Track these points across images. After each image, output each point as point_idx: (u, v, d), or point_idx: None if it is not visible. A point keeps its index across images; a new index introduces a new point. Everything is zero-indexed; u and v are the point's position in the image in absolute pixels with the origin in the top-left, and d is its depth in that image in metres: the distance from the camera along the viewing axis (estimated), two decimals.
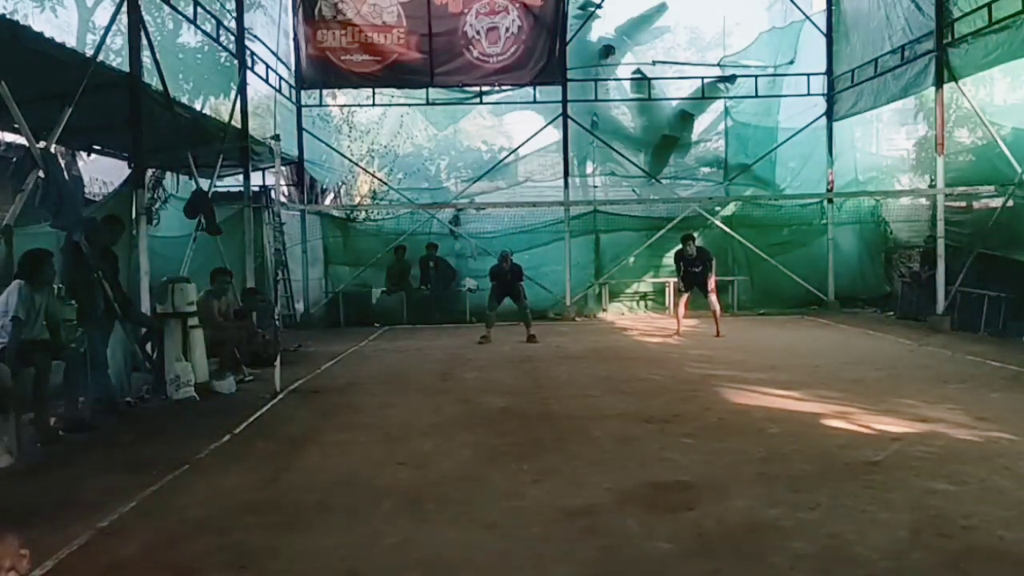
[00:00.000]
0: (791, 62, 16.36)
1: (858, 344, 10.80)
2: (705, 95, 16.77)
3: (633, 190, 17.12)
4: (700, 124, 18.13)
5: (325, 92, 16.40)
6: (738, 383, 7.90)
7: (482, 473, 5.09)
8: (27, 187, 6.58)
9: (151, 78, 9.06)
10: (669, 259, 16.27)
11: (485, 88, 16.06)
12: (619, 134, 17.37)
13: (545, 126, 16.42)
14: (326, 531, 4.08)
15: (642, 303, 16.20)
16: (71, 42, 17.06)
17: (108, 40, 8.61)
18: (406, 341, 12.40)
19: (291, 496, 4.69)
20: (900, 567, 3.51)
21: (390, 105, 17.45)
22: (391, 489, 4.76)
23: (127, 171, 8.61)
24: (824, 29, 15.68)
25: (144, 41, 8.33)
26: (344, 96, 18.41)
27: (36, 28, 6.92)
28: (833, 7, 15.54)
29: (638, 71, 17.33)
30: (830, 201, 15.63)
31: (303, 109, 15.59)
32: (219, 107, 15.49)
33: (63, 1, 21.19)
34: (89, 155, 13.15)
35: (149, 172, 11.06)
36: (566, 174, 15.30)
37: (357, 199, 18.95)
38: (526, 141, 17.35)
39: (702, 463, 5.17)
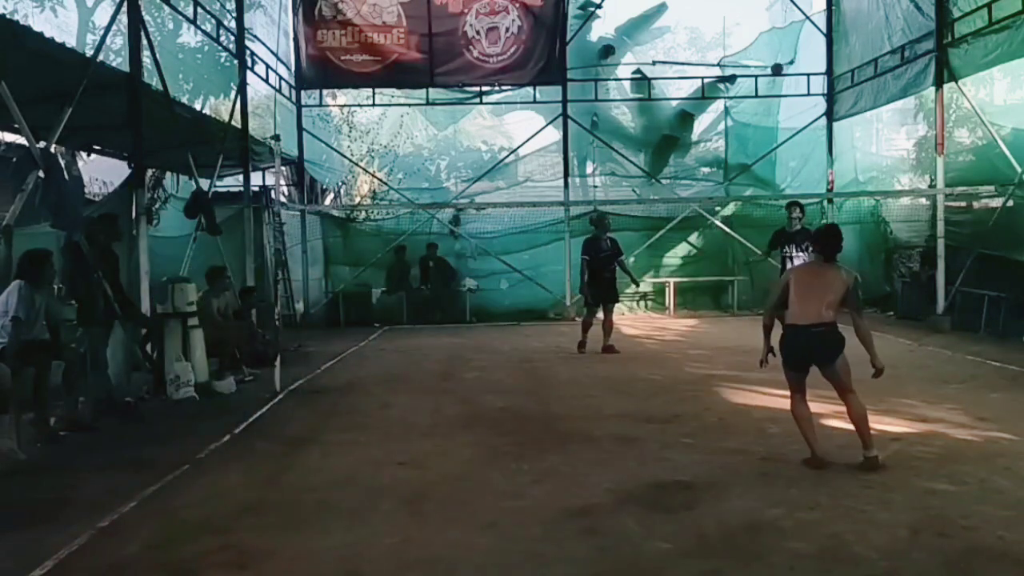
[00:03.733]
0: (791, 62, 16.36)
1: (858, 344, 10.76)
2: (705, 95, 16.77)
3: (633, 190, 17.11)
4: (700, 124, 18.13)
5: (325, 92, 16.41)
6: (738, 383, 7.89)
7: (482, 473, 5.09)
8: (27, 187, 6.58)
9: (151, 78, 9.06)
10: (670, 259, 16.33)
11: (485, 88, 16.07)
12: (619, 134, 17.37)
13: (545, 126, 16.43)
14: (326, 531, 4.08)
15: (642, 303, 16.20)
16: (71, 42, 17.05)
17: (108, 40, 8.60)
18: (406, 341, 12.40)
19: (291, 496, 4.69)
20: (900, 567, 3.51)
21: (390, 105, 17.45)
22: (391, 489, 4.76)
23: (127, 171, 8.60)
24: (824, 29, 15.69)
25: (144, 41, 8.32)
26: (344, 96, 18.40)
27: (36, 28, 6.91)
28: (833, 7, 15.55)
29: (638, 71, 17.32)
30: (830, 201, 15.63)
31: (303, 109, 15.59)
32: (219, 107, 15.47)
33: (63, 1, 21.19)
34: (89, 155, 13.15)
35: (149, 172, 11.06)
36: (566, 174, 15.31)
37: (357, 199, 18.94)
38: (526, 141, 17.37)
39: (702, 463, 5.17)
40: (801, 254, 9.16)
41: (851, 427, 5.95)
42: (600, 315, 10.52)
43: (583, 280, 10.38)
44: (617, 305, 15.70)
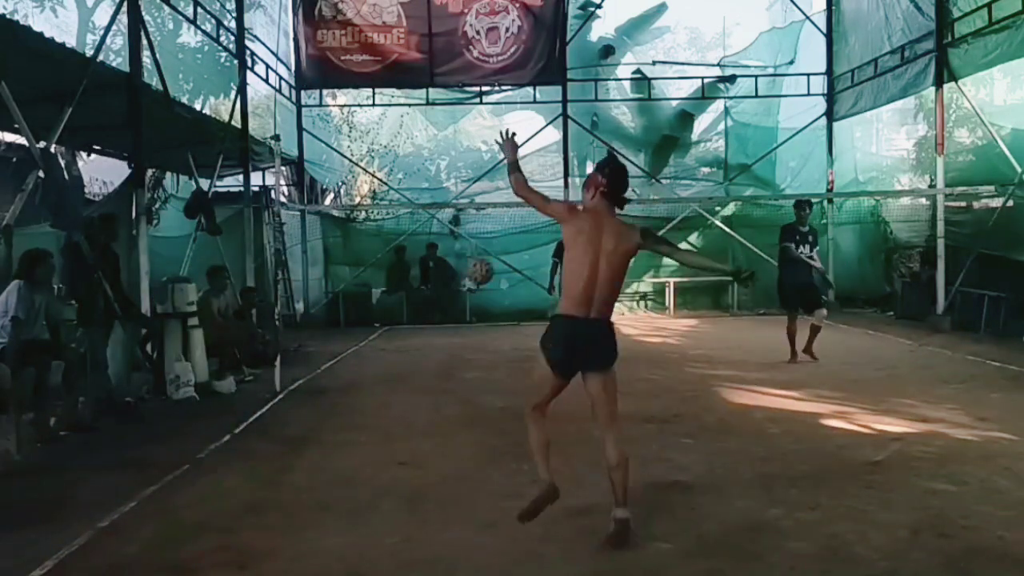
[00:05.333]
0: (791, 62, 16.36)
1: (858, 344, 10.79)
2: (705, 95, 16.77)
3: (633, 190, 17.07)
4: (700, 124, 18.13)
5: (325, 92, 16.40)
6: (738, 383, 7.89)
7: (482, 473, 5.09)
8: (27, 187, 6.58)
9: (151, 78, 9.06)
10: (669, 259, 16.28)
11: (485, 88, 16.07)
12: (619, 134, 17.36)
13: (545, 126, 16.41)
14: (326, 531, 4.08)
15: (642, 303, 16.22)
16: (71, 42, 17.06)
17: (108, 40, 8.61)
18: (406, 341, 12.40)
19: (291, 496, 4.69)
20: (900, 567, 3.51)
21: (390, 105, 17.44)
22: (391, 489, 4.75)
23: (127, 171, 8.60)
24: (824, 29, 15.69)
25: (144, 41, 8.33)
26: (344, 96, 18.40)
27: (36, 28, 6.91)
28: (833, 7, 15.55)
29: (638, 71, 17.32)
30: (830, 201, 15.63)
31: (303, 109, 15.59)
32: (219, 107, 15.48)
33: (63, 1, 21.20)
34: (89, 155, 13.16)
35: (149, 172, 11.07)
36: (566, 174, 15.32)
37: (357, 199, 18.95)
38: (526, 141, 17.25)
39: (702, 463, 5.17)
40: (806, 249, 8.90)
41: (851, 427, 5.97)
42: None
43: (553, 283, 10.81)
44: (616, 305, 15.76)
